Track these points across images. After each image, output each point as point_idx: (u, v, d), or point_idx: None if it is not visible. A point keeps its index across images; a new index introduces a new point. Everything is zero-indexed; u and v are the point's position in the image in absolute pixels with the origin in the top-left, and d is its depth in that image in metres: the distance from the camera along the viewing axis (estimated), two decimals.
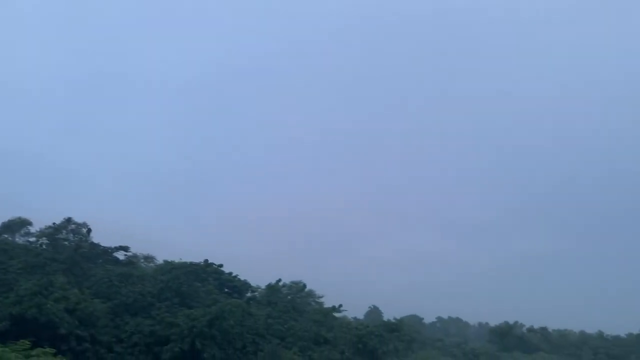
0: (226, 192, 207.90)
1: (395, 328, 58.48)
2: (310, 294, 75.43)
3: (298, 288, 70.75)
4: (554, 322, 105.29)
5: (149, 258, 69.33)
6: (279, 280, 63.11)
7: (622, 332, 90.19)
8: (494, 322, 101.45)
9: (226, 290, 59.45)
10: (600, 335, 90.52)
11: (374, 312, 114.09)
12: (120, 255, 59.98)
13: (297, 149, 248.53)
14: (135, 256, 64.65)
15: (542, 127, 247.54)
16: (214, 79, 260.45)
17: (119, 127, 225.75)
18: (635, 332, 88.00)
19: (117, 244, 59.79)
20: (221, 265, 60.15)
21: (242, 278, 62.36)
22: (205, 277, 56.81)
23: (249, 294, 61.58)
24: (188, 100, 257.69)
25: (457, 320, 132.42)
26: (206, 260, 58.29)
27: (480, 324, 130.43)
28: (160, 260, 65.07)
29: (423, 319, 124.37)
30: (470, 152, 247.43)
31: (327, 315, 57.03)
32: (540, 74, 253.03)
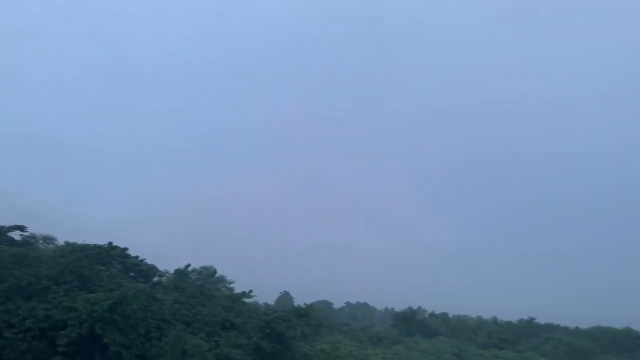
0: (138, 174, 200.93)
1: (304, 313, 59.24)
2: (221, 279, 74.63)
3: (208, 273, 69.71)
4: (454, 308, 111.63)
5: (48, 239, 65.40)
6: (188, 265, 61.78)
7: (513, 318, 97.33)
8: (399, 307, 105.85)
9: (132, 274, 57.33)
10: (495, 320, 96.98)
11: (285, 297, 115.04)
12: (16, 235, 55.94)
13: (215, 137, 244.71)
14: (33, 237, 60.68)
15: (446, 123, 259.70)
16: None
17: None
18: (525, 318, 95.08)
19: (13, 224, 55.74)
20: (126, 249, 57.90)
21: (149, 262, 60.47)
22: (109, 260, 54.40)
23: (155, 279, 59.79)
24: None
25: (365, 305, 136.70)
26: (110, 243, 55.84)
27: (386, 309, 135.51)
28: (61, 241, 61.61)
29: (333, 304, 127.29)
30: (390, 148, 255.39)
31: (236, 301, 56.62)
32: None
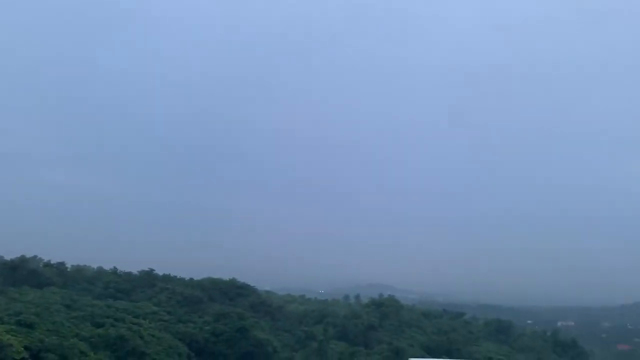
0: None
1: None
2: None
3: None
4: (74, 258, 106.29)
5: None
6: None
7: (135, 269, 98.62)
8: (11, 256, 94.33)
9: None
10: (115, 271, 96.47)
11: None
12: None
13: None
14: None
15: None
16: None
17: None
18: (145, 269, 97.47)
19: None
20: None
21: None
22: None
23: None
24: None
25: None
26: None
27: None
28: None
29: None
30: None
31: None
32: None
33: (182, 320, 72.13)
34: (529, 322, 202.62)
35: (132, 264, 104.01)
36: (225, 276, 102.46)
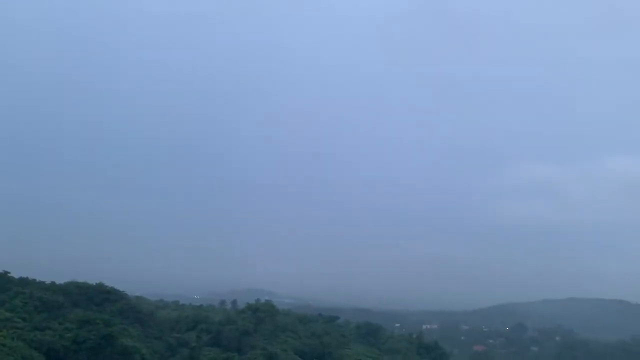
0: None
1: None
2: None
3: None
4: None
5: None
6: None
7: None
8: None
9: None
10: None
11: None
12: None
13: None
14: None
15: None
16: None
17: None
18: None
19: None
20: None
21: None
22: None
23: None
24: None
25: None
26: None
27: None
28: None
29: None
30: None
31: None
32: None
33: (39, 328, 66.52)
34: (397, 325, 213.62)
35: None
36: (93, 280, 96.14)
